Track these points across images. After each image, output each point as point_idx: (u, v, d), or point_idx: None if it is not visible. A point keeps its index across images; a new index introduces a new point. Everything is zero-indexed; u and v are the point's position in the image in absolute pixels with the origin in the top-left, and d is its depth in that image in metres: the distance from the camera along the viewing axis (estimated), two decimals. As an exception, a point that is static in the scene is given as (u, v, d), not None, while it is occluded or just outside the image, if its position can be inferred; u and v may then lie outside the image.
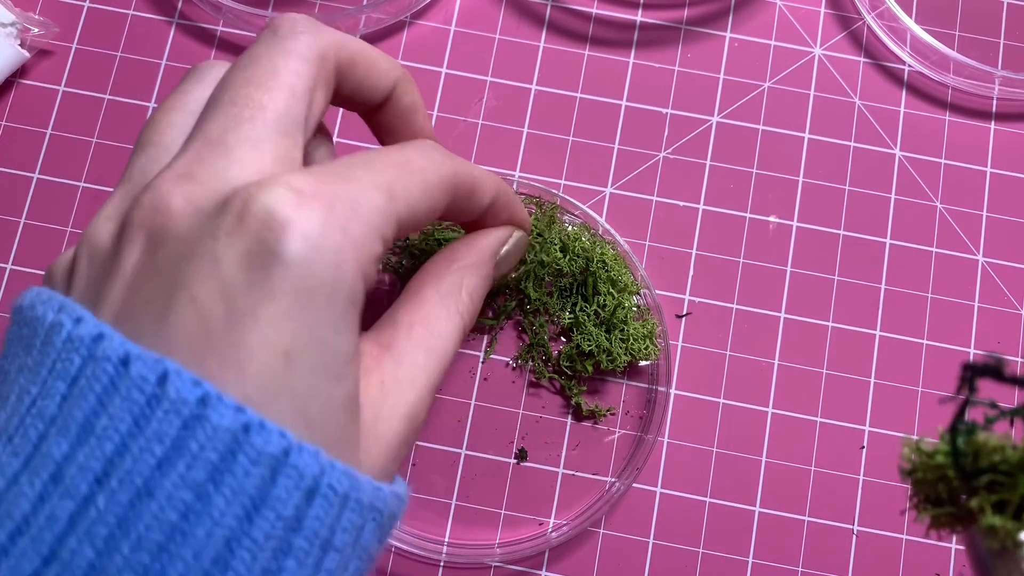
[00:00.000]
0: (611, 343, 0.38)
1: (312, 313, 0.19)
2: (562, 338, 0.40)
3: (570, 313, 0.40)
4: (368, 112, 0.28)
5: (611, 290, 0.39)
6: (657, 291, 0.41)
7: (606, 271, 0.39)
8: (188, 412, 0.18)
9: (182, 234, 0.19)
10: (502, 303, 0.40)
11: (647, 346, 0.39)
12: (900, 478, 0.22)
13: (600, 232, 0.40)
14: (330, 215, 0.19)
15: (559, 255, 0.39)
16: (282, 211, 0.19)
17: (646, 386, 0.40)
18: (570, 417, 0.40)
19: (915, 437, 0.25)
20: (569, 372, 0.40)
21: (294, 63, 0.23)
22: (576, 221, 0.41)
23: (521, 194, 0.41)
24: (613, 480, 0.39)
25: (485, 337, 0.41)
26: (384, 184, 0.22)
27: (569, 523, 0.39)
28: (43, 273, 0.41)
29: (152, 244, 0.20)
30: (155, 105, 0.43)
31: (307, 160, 0.24)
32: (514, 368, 0.40)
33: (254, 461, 0.18)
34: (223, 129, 0.21)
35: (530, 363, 0.40)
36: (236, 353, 0.18)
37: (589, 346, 0.38)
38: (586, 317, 0.39)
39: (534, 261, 0.39)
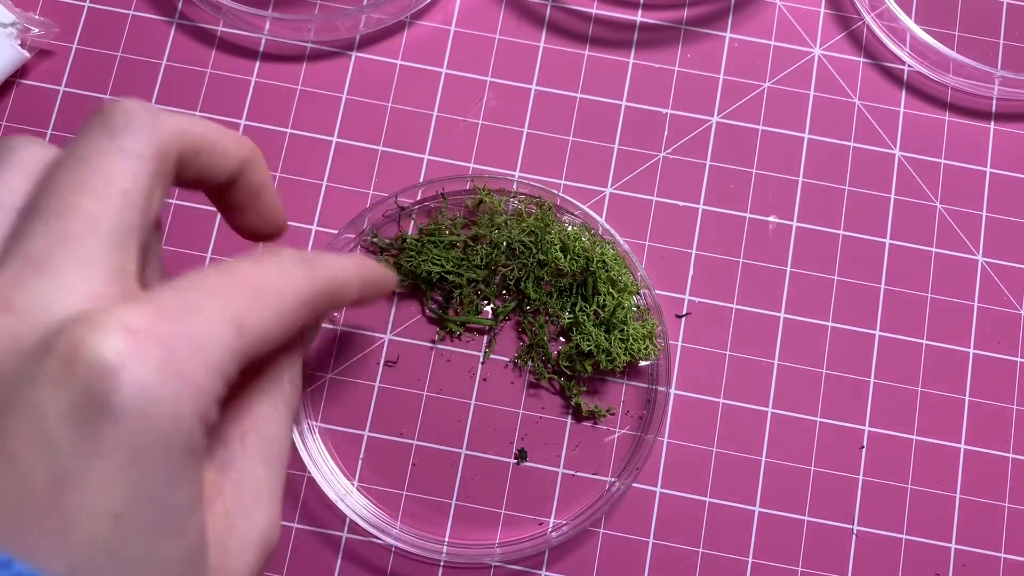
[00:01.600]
0: (610, 343, 0.38)
1: (145, 470, 0.17)
2: (561, 338, 0.40)
3: (569, 313, 0.40)
4: (213, 191, 0.25)
5: (611, 290, 0.39)
6: (657, 291, 0.41)
7: (606, 271, 0.39)
8: None
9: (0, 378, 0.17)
10: (501, 304, 0.41)
11: (647, 346, 0.39)
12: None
13: (600, 232, 0.40)
14: (168, 360, 0.17)
15: (559, 255, 0.39)
16: (114, 357, 0.16)
17: (646, 386, 0.40)
18: (570, 417, 0.40)
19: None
20: (568, 372, 0.40)
21: (130, 165, 0.20)
22: (576, 221, 0.41)
23: (521, 194, 0.41)
24: (613, 480, 0.39)
25: (485, 337, 0.41)
26: (234, 316, 0.19)
27: (569, 523, 0.39)
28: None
29: None
30: (156, 105, 0.43)
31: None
32: (514, 368, 0.40)
33: None
34: (47, 247, 0.18)
35: (529, 363, 0.40)
36: (60, 519, 0.16)
37: (588, 346, 0.38)
38: (585, 317, 0.39)
39: (533, 262, 0.39)
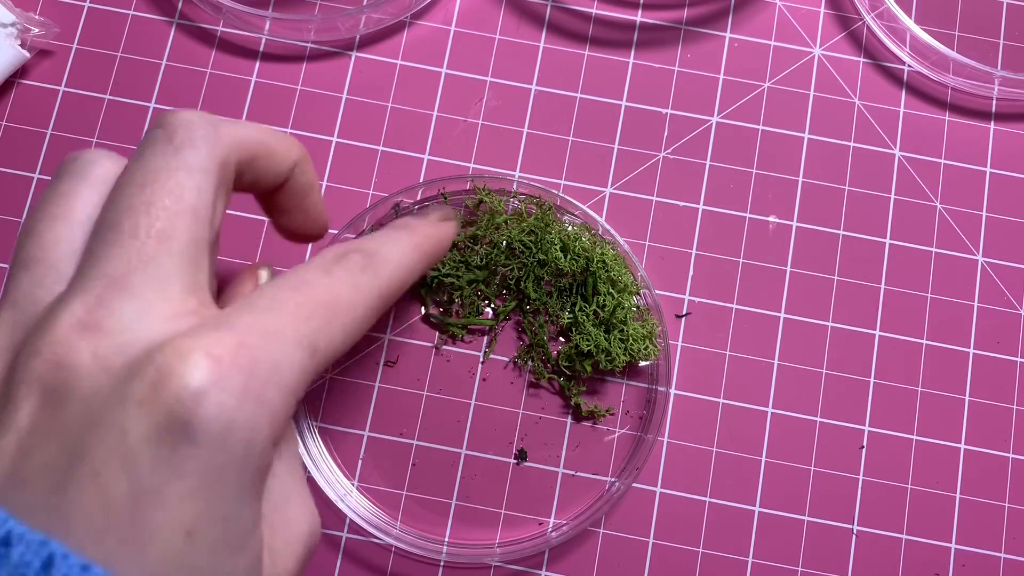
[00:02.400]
0: (610, 343, 0.38)
1: (219, 490, 0.18)
2: (561, 338, 0.40)
3: (569, 313, 0.40)
4: (263, 194, 0.26)
5: (611, 290, 0.39)
6: (657, 291, 0.41)
7: (606, 271, 0.39)
8: None
9: (87, 395, 0.18)
10: (501, 303, 0.40)
11: (647, 346, 0.39)
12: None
13: (600, 232, 0.40)
14: (248, 385, 0.18)
15: (559, 255, 0.39)
16: (198, 385, 0.17)
17: (646, 386, 0.40)
18: (570, 417, 0.40)
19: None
20: (568, 372, 0.40)
21: (197, 181, 0.21)
22: (576, 221, 0.41)
23: (521, 194, 0.41)
24: (613, 480, 0.39)
25: (485, 337, 0.41)
26: (308, 337, 0.20)
27: (569, 523, 0.39)
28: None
29: (51, 400, 0.18)
30: (156, 105, 0.43)
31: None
32: (514, 368, 0.40)
33: None
34: (126, 267, 0.19)
35: (529, 363, 0.40)
36: (138, 533, 0.17)
37: (588, 346, 0.38)
38: (585, 317, 0.39)
39: (533, 262, 0.39)
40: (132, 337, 0.19)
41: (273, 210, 0.27)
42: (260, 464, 0.19)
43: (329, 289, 0.21)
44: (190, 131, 0.21)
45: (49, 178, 0.42)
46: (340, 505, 0.38)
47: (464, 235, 0.40)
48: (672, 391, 0.40)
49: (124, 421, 0.17)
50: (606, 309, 0.39)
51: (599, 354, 0.39)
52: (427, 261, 0.26)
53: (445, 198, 0.41)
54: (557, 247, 0.39)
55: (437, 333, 0.41)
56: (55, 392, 0.18)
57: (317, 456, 0.39)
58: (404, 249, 0.25)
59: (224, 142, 0.22)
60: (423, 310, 0.41)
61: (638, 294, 0.40)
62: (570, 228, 0.40)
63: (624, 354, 0.39)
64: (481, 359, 0.40)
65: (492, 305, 0.41)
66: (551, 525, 0.39)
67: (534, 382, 0.40)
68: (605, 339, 0.39)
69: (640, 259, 0.42)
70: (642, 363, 0.40)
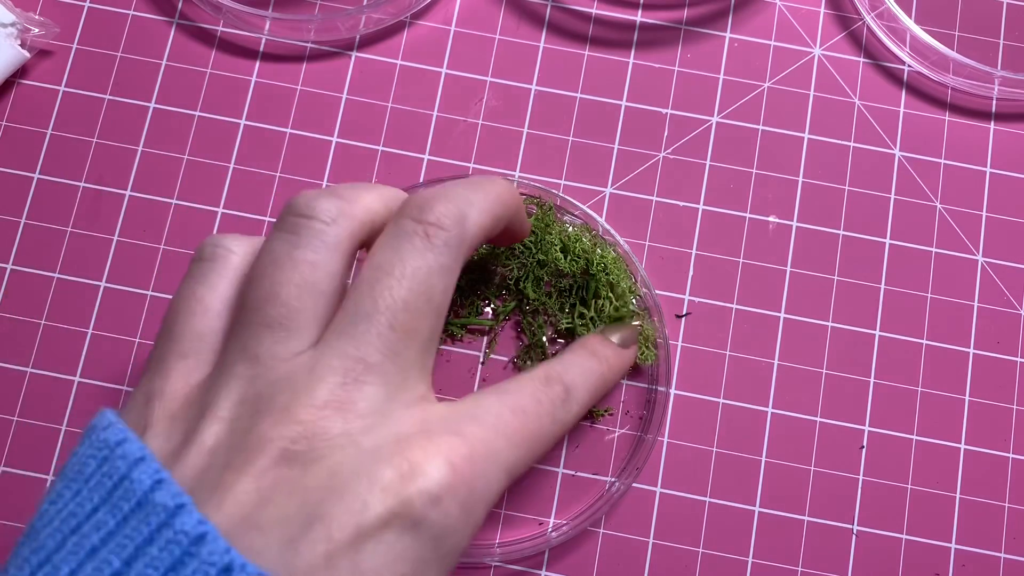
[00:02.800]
0: None
1: (425, 570, 0.20)
2: (559, 340, 0.40)
3: (568, 317, 0.39)
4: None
5: (610, 294, 0.39)
6: (657, 291, 0.41)
7: (606, 274, 0.39)
8: None
9: (333, 465, 0.20)
10: (501, 303, 0.40)
11: (644, 350, 0.39)
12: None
13: (600, 232, 0.40)
14: (467, 500, 0.21)
15: (559, 255, 0.39)
16: (438, 490, 0.20)
17: (646, 386, 0.40)
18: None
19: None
20: None
21: (446, 280, 0.23)
22: (576, 222, 0.41)
23: (522, 194, 0.41)
24: (613, 480, 0.39)
25: (484, 338, 0.41)
26: (513, 464, 0.23)
27: (569, 523, 0.39)
28: (41, 273, 0.41)
29: (296, 462, 0.20)
30: (156, 105, 0.43)
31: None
32: (513, 369, 0.40)
33: None
34: (381, 354, 0.22)
35: (528, 363, 0.40)
36: None
37: None
38: (582, 324, 0.39)
39: (532, 262, 0.39)
40: (379, 421, 0.21)
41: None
42: (453, 564, 0.21)
43: (539, 422, 0.24)
44: (443, 227, 0.23)
45: (49, 178, 0.42)
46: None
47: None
48: (672, 391, 0.40)
49: (368, 498, 0.19)
50: (605, 314, 0.39)
51: None
52: (605, 392, 0.30)
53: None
54: (557, 248, 0.39)
55: None
56: (303, 455, 0.20)
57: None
58: (593, 384, 0.28)
59: (468, 238, 0.24)
60: None
61: (638, 296, 0.40)
62: (571, 229, 0.40)
63: None
64: (481, 360, 0.40)
65: (492, 305, 0.41)
66: (551, 525, 0.39)
67: None
68: None
69: (640, 259, 0.42)
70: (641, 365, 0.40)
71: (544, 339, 0.40)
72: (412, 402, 0.22)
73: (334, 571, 0.19)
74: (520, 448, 0.23)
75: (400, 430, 0.21)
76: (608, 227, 0.40)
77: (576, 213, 0.41)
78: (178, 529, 0.18)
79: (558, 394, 0.25)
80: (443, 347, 0.40)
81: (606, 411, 0.40)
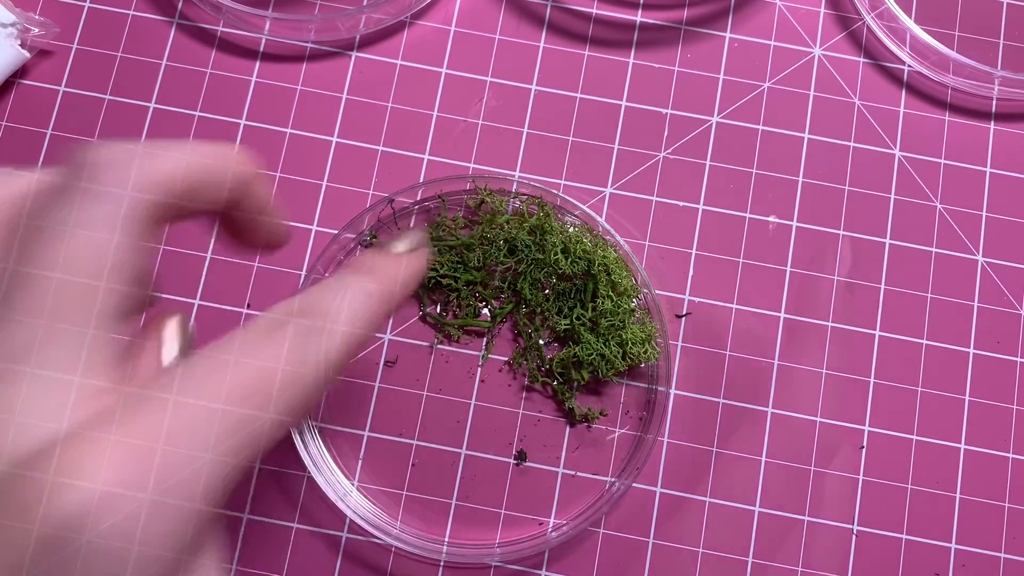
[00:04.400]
0: (608, 348, 0.38)
1: None
2: (555, 343, 0.40)
3: (566, 319, 0.39)
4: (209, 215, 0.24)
5: (611, 293, 0.39)
6: (657, 291, 0.41)
7: (608, 274, 0.39)
8: None
9: None
10: (499, 304, 0.40)
11: (646, 349, 0.39)
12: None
13: (600, 231, 0.40)
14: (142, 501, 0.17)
15: (560, 257, 0.39)
16: (80, 508, 0.16)
17: (646, 386, 0.40)
18: (567, 419, 0.40)
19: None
20: (562, 378, 0.40)
21: (115, 236, 0.19)
22: (577, 223, 0.41)
23: (522, 194, 0.41)
24: (613, 480, 0.39)
25: (483, 338, 0.41)
26: (230, 433, 0.18)
27: (569, 523, 0.39)
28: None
29: None
30: (156, 105, 0.43)
31: None
32: (510, 370, 0.40)
33: None
34: (28, 341, 0.18)
35: (524, 364, 0.40)
36: None
37: (588, 355, 0.38)
38: (581, 326, 0.39)
39: (531, 262, 0.39)
40: (27, 427, 0.17)
41: (225, 227, 0.25)
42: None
43: (259, 370, 0.19)
44: (108, 177, 0.20)
45: (49, 178, 0.42)
46: (340, 505, 0.38)
47: (463, 238, 0.40)
48: (672, 391, 0.40)
49: (10, 530, 0.16)
50: (606, 315, 0.39)
51: (599, 362, 0.38)
52: (394, 305, 0.23)
53: (443, 201, 0.41)
54: (558, 248, 0.39)
55: (435, 331, 0.41)
56: None
57: (317, 456, 0.39)
58: (361, 300, 0.22)
59: (146, 189, 0.20)
60: (420, 309, 0.41)
61: (638, 297, 0.40)
62: (571, 230, 0.40)
63: (623, 360, 0.39)
64: (480, 361, 0.40)
65: (489, 307, 0.41)
66: (551, 525, 0.39)
67: (530, 384, 0.40)
68: (604, 345, 0.38)
69: (640, 259, 0.42)
70: (642, 364, 0.40)
71: (540, 342, 0.40)
72: (82, 398, 0.18)
73: None
74: (241, 407, 0.18)
75: (61, 428, 0.17)
76: (608, 227, 0.40)
77: (576, 213, 0.41)
78: None
79: (294, 331, 0.20)
80: (442, 348, 0.40)
81: (600, 412, 0.40)
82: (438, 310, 0.41)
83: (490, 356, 0.40)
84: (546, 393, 0.40)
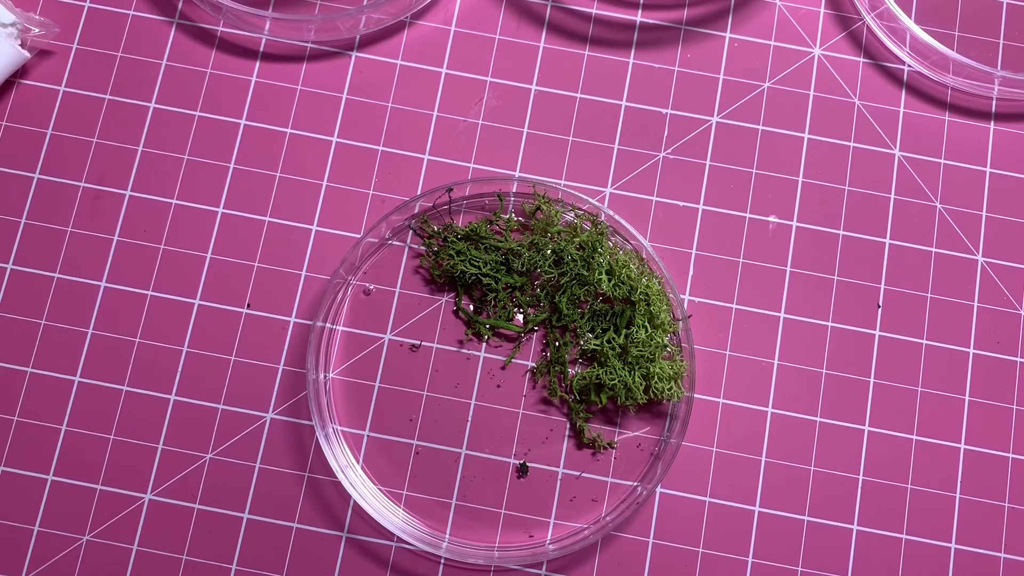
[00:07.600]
0: (632, 377, 0.38)
1: None
2: (580, 361, 0.40)
3: (596, 339, 0.39)
4: None
5: (647, 324, 0.39)
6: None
7: (647, 304, 0.39)
8: None
9: None
10: (533, 312, 0.40)
11: (671, 387, 0.38)
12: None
13: (604, 219, 0.40)
14: None
15: (603, 277, 0.39)
16: None
17: (658, 433, 0.40)
18: (572, 440, 0.40)
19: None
20: (580, 397, 0.39)
21: None
22: (627, 247, 0.40)
23: (575, 207, 0.40)
24: (607, 517, 0.39)
25: (510, 344, 0.40)
26: None
27: (558, 543, 0.39)
28: (41, 273, 0.41)
29: None
30: (156, 105, 0.43)
31: None
32: (531, 379, 0.40)
33: None
34: None
35: (545, 376, 0.40)
36: None
37: (611, 380, 0.38)
38: (611, 350, 0.38)
39: (573, 277, 0.39)
40: None
41: None
42: None
43: None
44: None
45: (49, 178, 0.42)
46: (345, 495, 0.38)
47: (513, 242, 0.40)
48: (683, 443, 0.40)
49: None
50: (637, 343, 0.38)
51: (620, 390, 0.38)
52: None
53: (501, 199, 0.41)
54: (604, 269, 0.39)
55: (465, 328, 0.40)
56: None
57: (323, 456, 0.39)
58: None
59: None
60: (456, 304, 0.41)
61: (674, 332, 0.40)
62: (620, 253, 0.40)
63: (645, 393, 0.38)
64: (502, 365, 0.40)
65: (524, 312, 0.40)
66: (548, 539, 0.39)
67: (547, 397, 0.40)
68: (628, 375, 0.38)
69: (640, 260, 0.42)
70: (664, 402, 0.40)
71: (566, 357, 0.40)
72: None
73: None
74: None
75: None
76: (655, 255, 0.40)
77: (583, 208, 0.41)
78: None
79: None
80: (467, 344, 0.40)
81: (609, 444, 0.39)
82: (472, 308, 0.41)
83: (513, 360, 0.40)
84: (562, 410, 0.40)
